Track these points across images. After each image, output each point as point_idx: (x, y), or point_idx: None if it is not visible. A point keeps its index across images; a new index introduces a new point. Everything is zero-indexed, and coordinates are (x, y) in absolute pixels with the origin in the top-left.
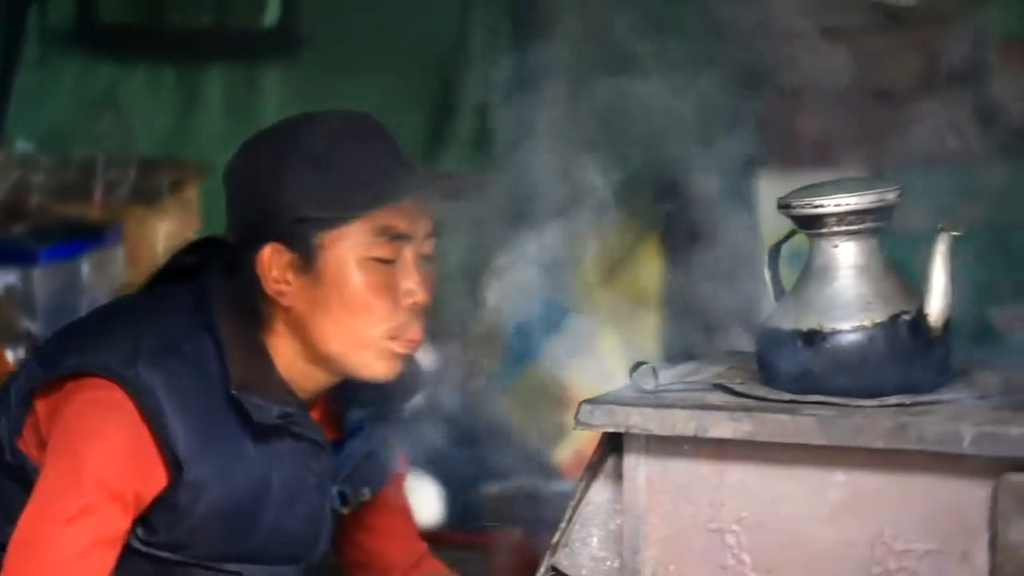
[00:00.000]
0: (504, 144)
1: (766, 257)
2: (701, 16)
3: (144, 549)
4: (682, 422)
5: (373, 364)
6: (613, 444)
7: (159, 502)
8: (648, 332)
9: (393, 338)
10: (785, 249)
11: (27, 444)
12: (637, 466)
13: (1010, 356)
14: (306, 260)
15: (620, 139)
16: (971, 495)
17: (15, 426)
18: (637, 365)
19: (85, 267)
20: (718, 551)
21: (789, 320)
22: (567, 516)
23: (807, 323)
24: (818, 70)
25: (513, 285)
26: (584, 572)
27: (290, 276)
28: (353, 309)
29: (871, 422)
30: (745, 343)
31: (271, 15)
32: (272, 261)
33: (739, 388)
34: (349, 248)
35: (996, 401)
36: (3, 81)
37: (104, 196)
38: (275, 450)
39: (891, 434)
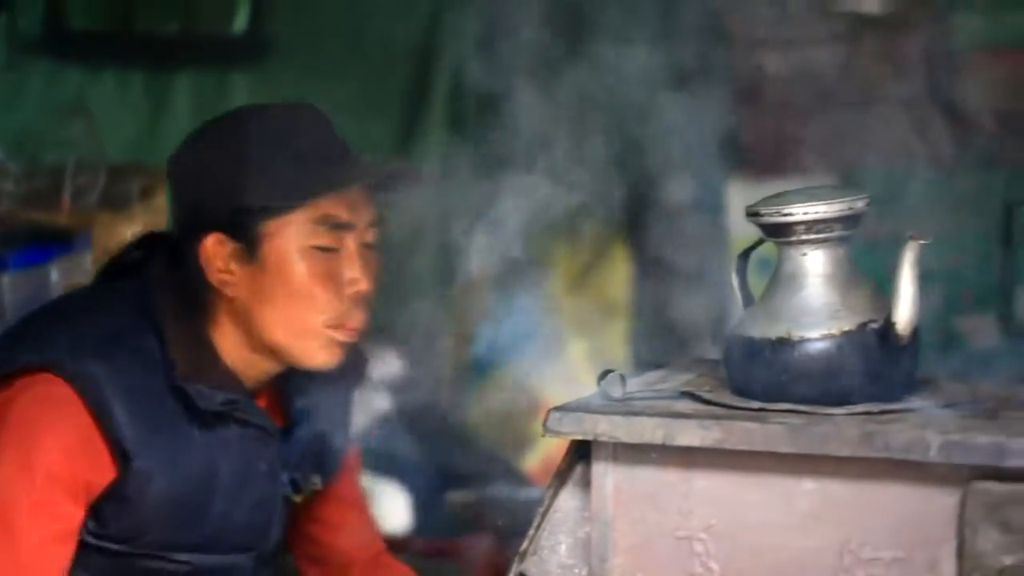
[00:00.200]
0: (473, 147)
1: (734, 265)
2: (671, 23)
3: (96, 542)
4: (650, 430)
5: (315, 352)
6: (581, 452)
7: (109, 494)
8: (617, 339)
9: (335, 327)
10: (754, 257)
11: None
12: (605, 474)
13: (976, 365)
14: (249, 250)
15: (589, 145)
16: (938, 503)
17: None
18: (605, 373)
19: (54, 273)
20: (686, 559)
21: (758, 328)
22: (535, 523)
23: (775, 331)
24: (787, 78)
25: (481, 291)
26: None
27: (233, 266)
28: (295, 298)
29: (839, 430)
30: (713, 351)
31: (240, 21)
32: (215, 251)
33: (707, 396)
34: (291, 237)
35: (963, 409)
36: None
37: (73, 202)
38: (222, 438)
39: (859, 442)
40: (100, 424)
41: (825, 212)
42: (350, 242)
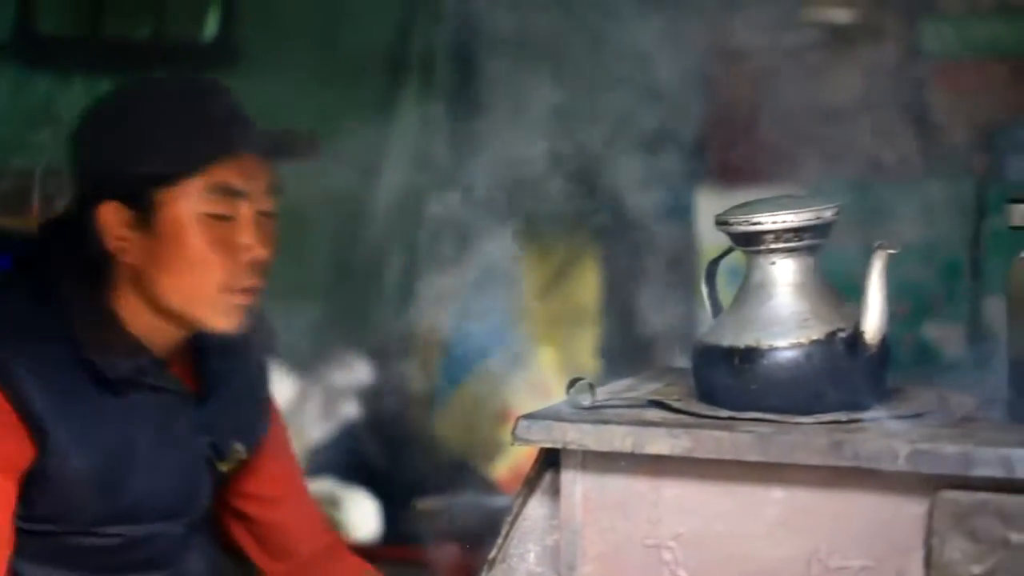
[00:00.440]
0: (441, 155)
1: (703, 273)
2: (640, 31)
3: (26, 526)
4: (619, 438)
5: (214, 317)
6: (550, 460)
7: (31, 475)
8: (586, 348)
9: (231, 291)
10: (723, 266)
11: None
12: (574, 482)
13: (945, 373)
14: (144, 217)
15: (559, 153)
16: (906, 512)
17: None
18: (574, 381)
19: None
20: (655, 567)
21: (727, 337)
22: (504, 531)
23: (744, 340)
24: (757, 87)
25: (452, 300)
26: None
27: (130, 233)
28: (190, 264)
29: (807, 439)
30: (682, 360)
31: (210, 27)
32: (112, 220)
33: (676, 404)
34: (186, 205)
35: (931, 419)
36: None
37: (42, 208)
38: (137, 407)
39: (827, 451)
40: (14, 404)
41: (794, 221)
42: (245, 209)
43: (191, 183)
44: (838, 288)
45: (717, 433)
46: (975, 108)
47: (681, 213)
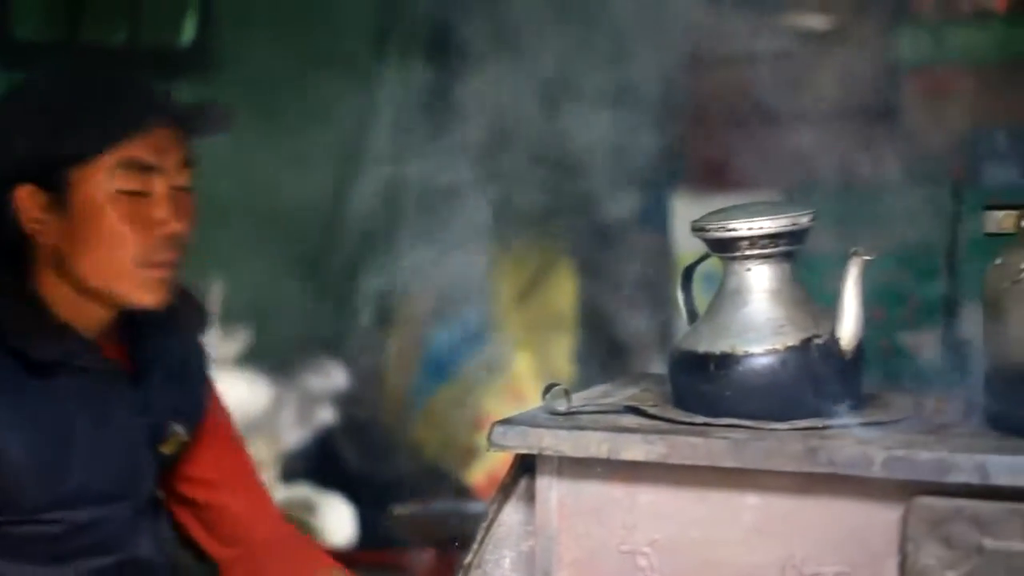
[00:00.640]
0: (416, 162)
1: (679, 280)
2: (616, 39)
3: None
4: (595, 444)
5: (135, 291)
6: (526, 466)
7: None
8: (561, 354)
9: (148, 265)
10: (699, 272)
11: None
12: (549, 488)
13: (920, 379)
14: (59, 198)
15: (535, 161)
16: (881, 518)
17: None
18: (550, 387)
19: None
20: (630, 573)
21: (702, 343)
22: (479, 537)
23: (720, 346)
24: (732, 93)
25: (429, 306)
26: None
27: (45, 215)
28: (106, 241)
29: (783, 445)
30: (658, 365)
31: (187, 32)
32: (27, 203)
33: (652, 411)
34: (98, 183)
35: (907, 425)
36: None
37: None
38: (69, 390)
39: (802, 457)
40: None
41: (769, 227)
42: (159, 185)
43: (102, 161)
44: (815, 294)
45: (692, 439)
46: (951, 114)
47: (657, 219)
